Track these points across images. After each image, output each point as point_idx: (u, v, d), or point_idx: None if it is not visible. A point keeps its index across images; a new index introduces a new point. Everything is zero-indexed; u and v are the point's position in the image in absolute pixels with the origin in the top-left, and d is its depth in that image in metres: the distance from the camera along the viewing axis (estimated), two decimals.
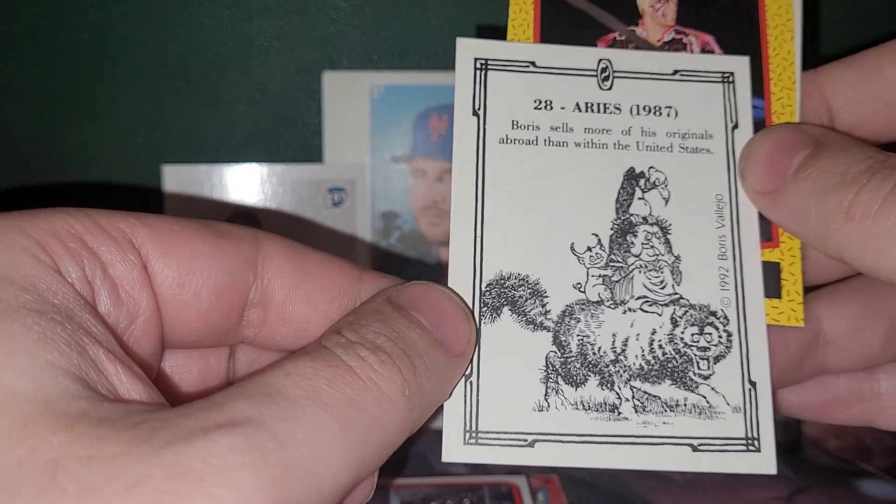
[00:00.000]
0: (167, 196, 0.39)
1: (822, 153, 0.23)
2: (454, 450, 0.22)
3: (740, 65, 0.26)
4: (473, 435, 0.23)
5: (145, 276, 0.21)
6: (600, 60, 0.25)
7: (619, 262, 0.24)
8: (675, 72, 0.26)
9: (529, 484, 0.31)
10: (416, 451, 0.35)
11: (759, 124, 0.25)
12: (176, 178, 0.39)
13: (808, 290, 0.26)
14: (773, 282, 0.24)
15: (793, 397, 0.27)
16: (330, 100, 0.40)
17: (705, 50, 0.26)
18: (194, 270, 0.22)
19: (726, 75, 0.26)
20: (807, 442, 0.36)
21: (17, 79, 0.41)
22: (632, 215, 0.24)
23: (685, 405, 0.23)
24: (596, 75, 0.25)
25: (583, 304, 0.24)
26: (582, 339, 0.23)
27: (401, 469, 0.33)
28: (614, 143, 0.25)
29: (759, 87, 0.26)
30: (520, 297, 0.24)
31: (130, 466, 0.15)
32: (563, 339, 0.23)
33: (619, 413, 0.23)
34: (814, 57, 0.27)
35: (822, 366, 0.26)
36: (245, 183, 0.39)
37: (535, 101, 0.25)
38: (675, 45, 0.26)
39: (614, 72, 0.25)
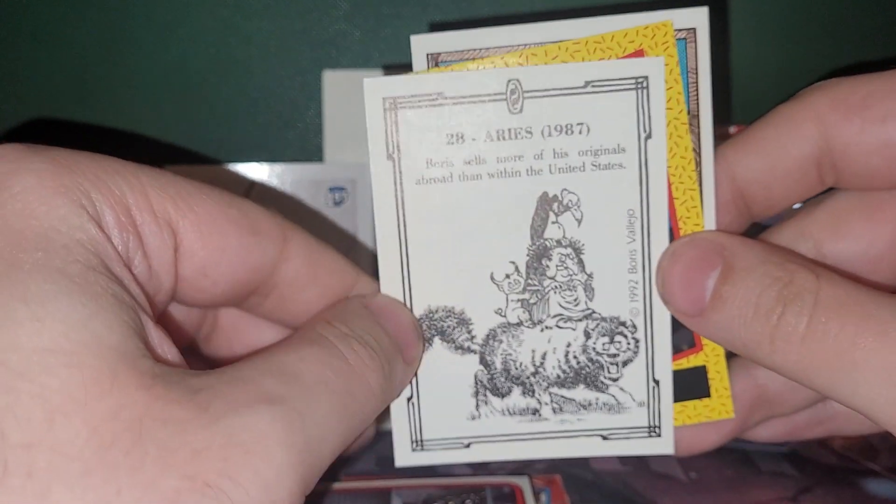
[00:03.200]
0: None
1: (731, 277, 0.24)
2: (405, 456, 0.27)
3: (654, 67, 0.25)
4: (419, 444, 0.27)
5: (174, 259, 0.23)
6: (509, 81, 0.25)
7: (535, 285, 0.26)
8: (587, 83, 0.25)
9: (532, 485, 0.31)
10: None
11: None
12: None
13: None
14: (701, 383, 0.27)
15: (762, 434, 0.30)
16: (330, 99, 0.39)
17: None
18: (220, 263, 0.24)
19: (639, 80, 0.25)
20: (812, 441, 0.35)
21: (17, 80, 0.41)
22: (546, 240, 0.26)
23: (597, 404, 0.27)
24: (506, 98, 0.25)
25: (504, 326, 0.27)
26: (505, 357, 0.27)
27: (403, 470, 0.31)
28: (527, 170, 0.26)
29: None
30: (448, 326, 0.27)
31: (196, 433, 0.18)
32: (489, 358, 0.27)
33: (540, 415, 0.27)
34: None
35: (771, 414, 0.29)
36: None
37: (448, 136, 0.25)
38: None
39: (524, 92, 0.25)
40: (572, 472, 0.33)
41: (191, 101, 0.41)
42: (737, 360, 0.28)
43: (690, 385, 0.27)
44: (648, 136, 0.25)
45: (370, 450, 0.35)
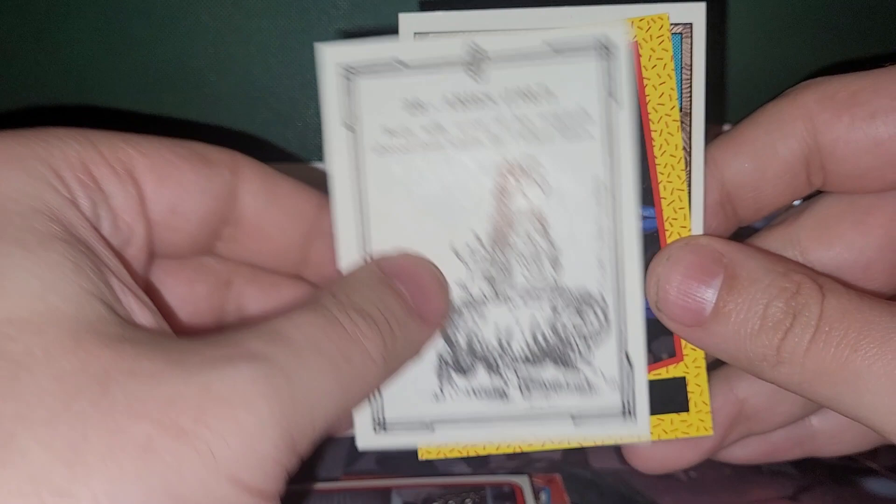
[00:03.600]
0: None
1: (735, 288, 0.23)
2: (366, 438, 0.26)
3: (617, 33, 0.24)
4: (381, 424, 0.26)
5: (140, 205, 0.23)
6: (469, 47, 0.24)
7: (499, 258, 0.25)
8: (549, 48, 0.24)
9: (532, 484, 0.30)
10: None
11: (652, 236, 0.25)
12: None
13: None
14: (679, 396, 0.25)
15: (738, 453, 0.29)
16: None
17: None
18: (186, 198, 0.24)
19: (603, 45, 0.24)
20: None
21: (16, 78, 0.41)
22: (510, 211, 0.25)
23: (566, 384, 0.26)
24: (466, 64, 0.25)
25: (467, 302, 0.26)
26: (469, 334, 0.26)
27: (403, 469, 0.32)
28: (489, 138, 0.25)
29: (648, 196, 0.25)
30: None
31: (168, 383, 0.18)
32: (452, 335, 0.26)
33: (507, 396, 0.26)
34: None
35: (749, 432, 0.28)
36: None
37: (406, 104, 0.25)
38: None
39: (485, 58, 0.24)
40: (572, 472, 0.32)
41: (190, 101, 0.41)
42: (716, 373, 0.27)
43: (668, 397, 0.26)
44: (616, 104, 0.24)
45: None
